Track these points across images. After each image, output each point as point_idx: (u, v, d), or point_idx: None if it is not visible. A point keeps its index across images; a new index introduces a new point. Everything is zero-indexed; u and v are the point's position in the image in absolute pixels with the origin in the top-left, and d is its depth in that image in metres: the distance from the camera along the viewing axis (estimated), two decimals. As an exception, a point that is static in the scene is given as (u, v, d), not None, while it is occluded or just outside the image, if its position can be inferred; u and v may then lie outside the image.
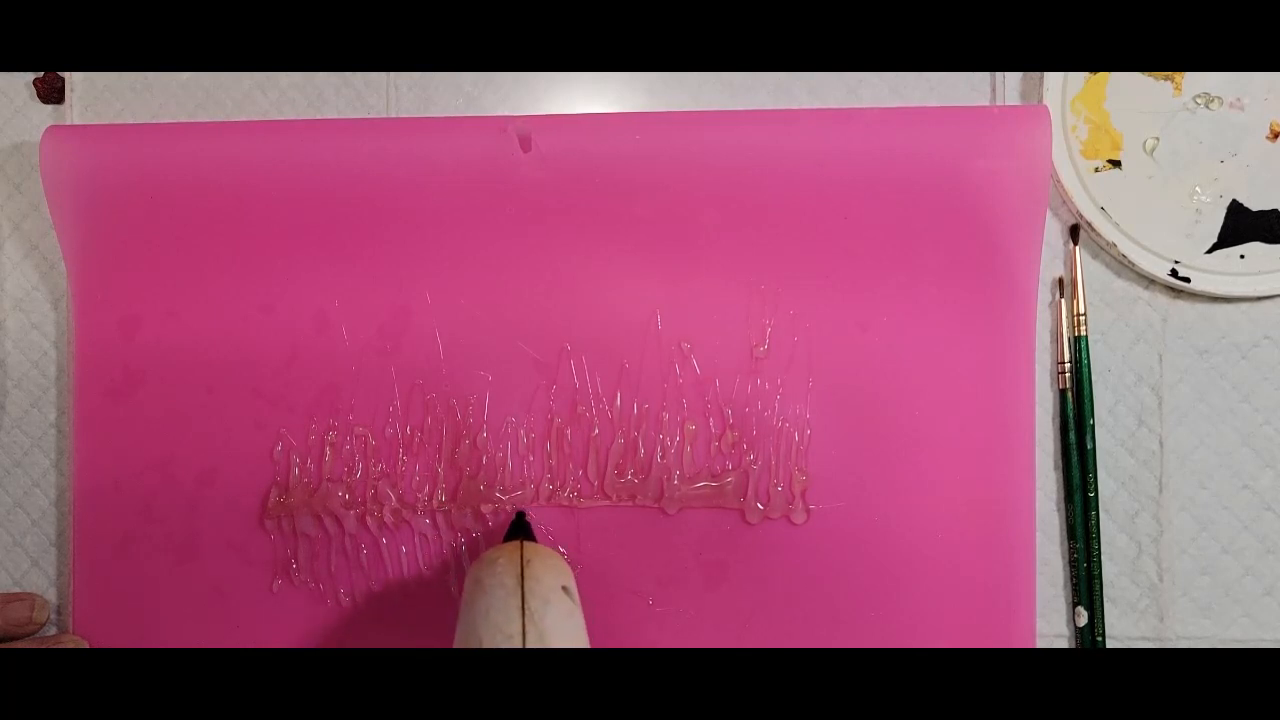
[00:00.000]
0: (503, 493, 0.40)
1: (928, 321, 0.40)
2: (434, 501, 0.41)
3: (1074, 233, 0.41)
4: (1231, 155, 0.40)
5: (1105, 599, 0.40)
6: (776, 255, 0.40)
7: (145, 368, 0.41)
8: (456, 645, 0.33)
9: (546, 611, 0.32)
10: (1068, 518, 0.41)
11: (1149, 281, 0.41)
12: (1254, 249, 0.40)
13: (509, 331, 0.41)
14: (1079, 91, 0.40)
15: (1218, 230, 0.40)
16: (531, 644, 0.31)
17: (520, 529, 0.38)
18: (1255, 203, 0.40)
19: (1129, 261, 0.40)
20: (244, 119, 0.43)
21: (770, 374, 0.40)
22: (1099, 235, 0.40)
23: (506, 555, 0.34)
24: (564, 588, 0.34)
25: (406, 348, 0.41)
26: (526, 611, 0.32)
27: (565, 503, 0.40)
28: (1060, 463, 0.41)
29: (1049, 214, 0.40)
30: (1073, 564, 0.40)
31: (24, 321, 0.43)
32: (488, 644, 0.31)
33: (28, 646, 0.41)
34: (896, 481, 0.40)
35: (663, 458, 0.40)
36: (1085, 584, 0.40)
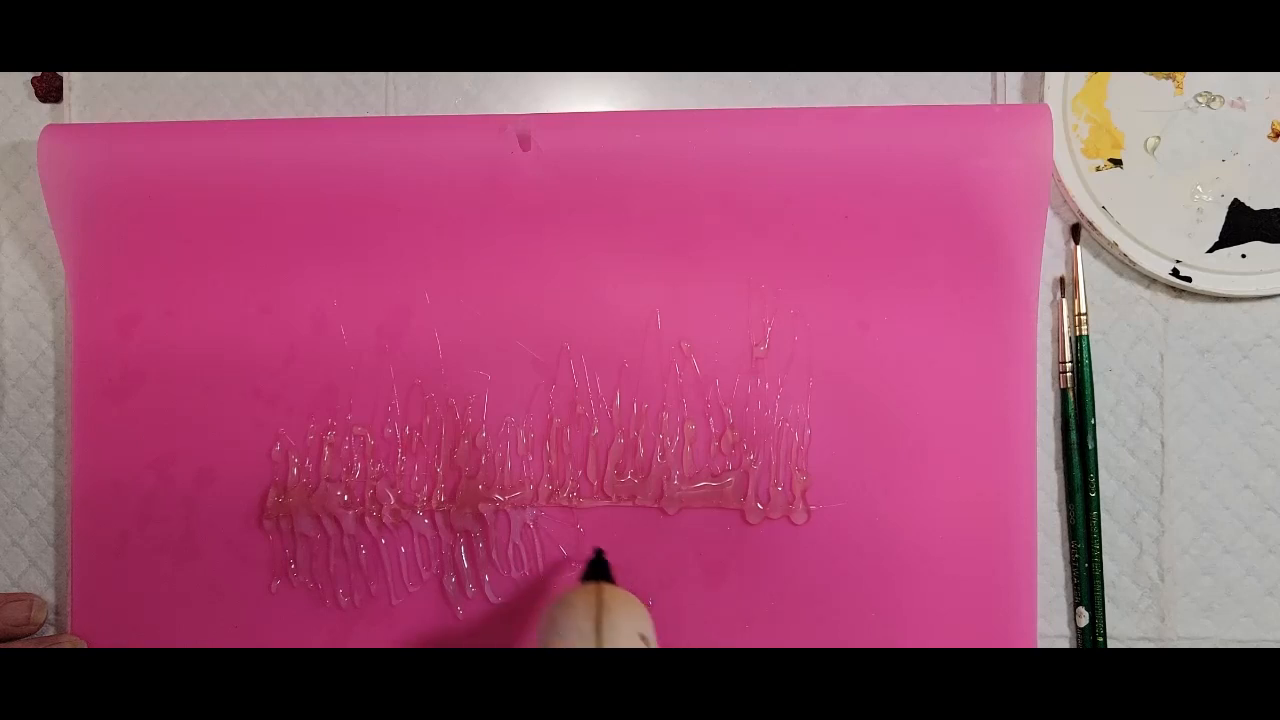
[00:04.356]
0: (502, 493, 0.40)
1: (928, 321, 0.40)
2: (433, 502, 0.41)
3: (1075, 232, 0.41)
4: (1233, 154, 0.40)
5: (1106, 599, 0.40)
6: (776, 255, 0.40)
7: (144, 367, 0.41)
8: None
9: None
10: (1069, 517, 0.41)
11: (1150, 281, 0.41)
12: (1255, 248, 0.40)
13: (508, 331, 0.41)
14: (1080, 90, 0.40)
15: (1219, 229, 0.40)
16: None
17: (599, 570, 0.36)
18: (1256, 202, 0.40)
19: (1130, 261, 0.40)
20: (242, 118, 0.43)
21: (770, 374, 0.40)
22: (1100, 234, 0.40)
23: (584, 600, 0.33)
24: (641, 635, 0.32)
25: (405, 347, 0.41)
26: None
27: (565, 503, 0.40)
28: (1061, 462, 0.41)
29: (1050, 213, 0.40)
30: (1074, 564, 0.40)
31: (22, 321, 0.43)
32: None
33: (26, 647, 0.41)
34: (897, 481, 0.39)
35: (663, 458, 0.40)
36: (1086, 584, 0.40)
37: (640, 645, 0.32)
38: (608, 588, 0.34)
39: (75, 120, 0.43)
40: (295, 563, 0.41)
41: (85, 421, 0.41)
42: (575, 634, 0.32)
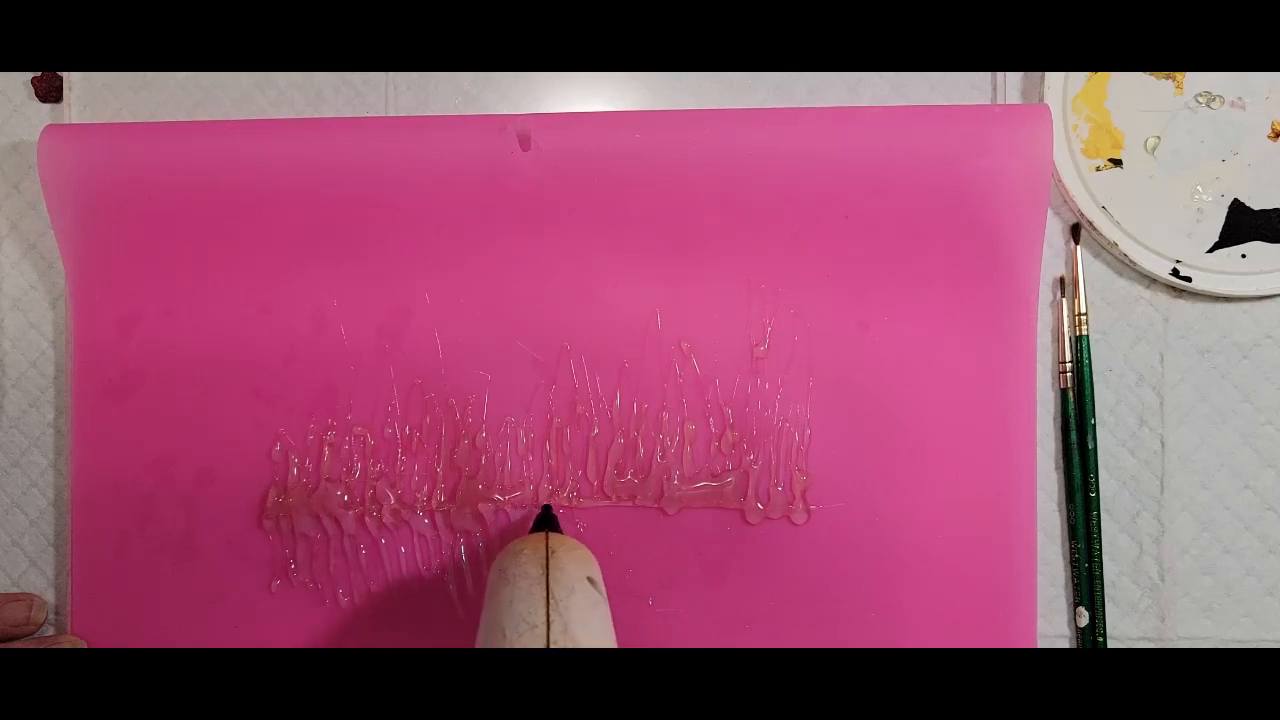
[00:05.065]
0: (502, 493, 0.40)
1: (928, 321, 0.40)
2: (433, 502, 0.41)
3: (1075, 232, 0.41)
4: (1233, 154, 0.40)
5: (1106, 599, 0.40)
6: (776, 255, 0.40)
7: (143, 367, 0.41)
8: (480, 635, 0.33)
9: (571, 601, 0.32)
10: (1069, 517, 0.40)
11: (1150, 281, 0.41)
12: (1255, 248, 0.40)
13: (508, 331, 0.41)
14: (1080, 90, 0.40)
15: (1219, 229, 0.40)
16: (556, 634, 0.31)
17: (546, 521, 0.37)
18: (1256, 202, 0.40)
19: (1130, 261, 0.40)
20: (242, 118, 0.43)
21: (770, 374, 0.40)
22: (1100, 234, 0.40)
23: (531, 546, 0.34)
24: (589, 578, 0.33)
25: (405, 347, 0.41)
26: (551, 601, 0.32)
27: (565, 503, 0.40)
28: (1061, 462, 0.41)
29: (1050, 213, 0.40)
30: (1074, 564, 0.40)
31: (22, 321, 0.43)
32: (511, 634, 0.31)
33: (26, 647, 0.41)
34: (897, 481, 0.39)
35: (663, 458, 0.40)
36: (1086, 584, 0.40)
37: (588, 588, 0.33)
38: (554, 535, 0.35)
39: (75, 120, 0.43)
40: (295, 563, 0.41)
41: (85, 421, 0.41)
42: (524, 580, 0.32)
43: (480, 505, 0.40)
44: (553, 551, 0.33)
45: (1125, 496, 0.41)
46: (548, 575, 0.33)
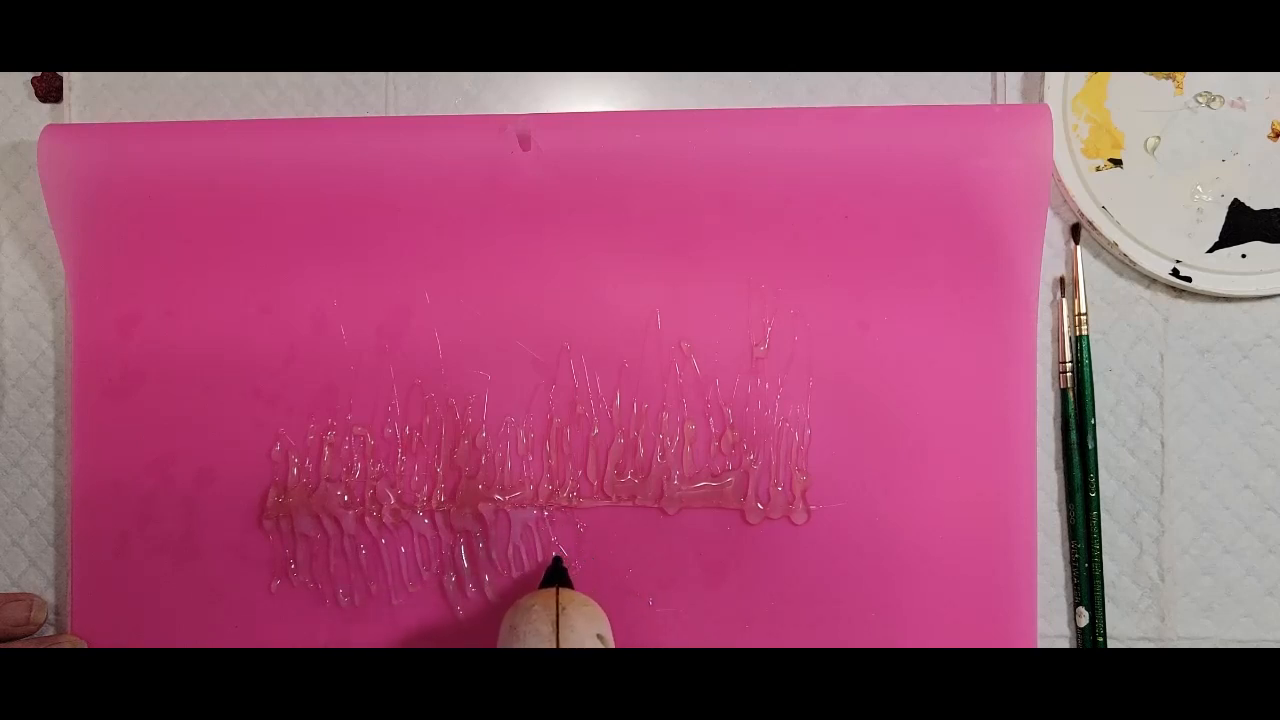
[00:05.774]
0: (502, 493, 0.40)
1: (928, 321, 0.40)
2: (433, 502, 0.41)
3: (1075, 232, 0.41)
4: (1233, 154, 0.40)
5: (1106, 599, 0.40)
6: (776, 255, 0.40)
7: (143, 367, 0.41)
8: None
9: None
10: (1069, 517, 0.40)
11: (1150, 281, 0.41)
12: (1255, 248, 0.40)
13: (508, 331, 0.41)
14: (1080, 90, 0.40)
15: (1219, 229, 0.40)
16: None
17: (557, 575, 0.37)
18: (1256, 202, 0.40)
19: (1130, 261, 0.40)
20: (242, 118, 0.43)
21: (770, 374, 0.40)
22: (1100, 234, 0.40)
23: (542, 602, 0.34)
24: (599, 635, 0.34)
25: (405, 347, 0.41)
26: None
27: (565, 503, 0.40)
28: (1061, 462, 0.41)
29: (1050, 213, 0.40)
30: (1074, 564, 0.40)
31: (22, 321, 0.43)
32: None
33: (26, 647, 0.41)
34: (897, 481, 0.39)
35: (663, 458, 0.40)
36: (1086, 584, 0.40)
37: (599, 645, 0.33)
38: (565, 591, 0.35)
39: (75, 120, 0.43)
40: (295, 563, 0.41)
41: (85, 421, 0.41)
42: (535, 637, 0.33)
43: (480, 505, 0.40)
44: (563, 608, 0.34)
45: (1125, 496, 0.41)
46: (558, 633, 0.33)
